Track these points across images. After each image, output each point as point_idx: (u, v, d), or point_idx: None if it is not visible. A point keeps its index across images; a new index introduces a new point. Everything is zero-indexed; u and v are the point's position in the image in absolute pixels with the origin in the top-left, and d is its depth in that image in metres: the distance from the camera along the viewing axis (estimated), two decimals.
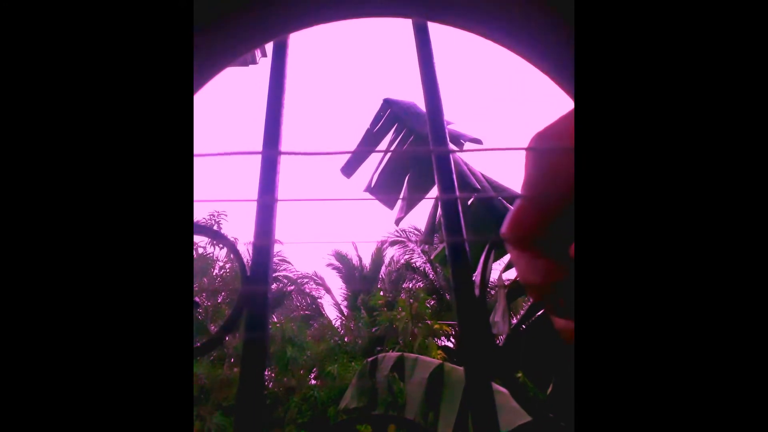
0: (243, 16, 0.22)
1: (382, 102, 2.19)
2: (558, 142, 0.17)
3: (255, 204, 0.21)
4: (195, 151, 0.19)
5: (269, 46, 0.24)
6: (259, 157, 0.22)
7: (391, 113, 2.17)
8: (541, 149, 0.17)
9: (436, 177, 0.23)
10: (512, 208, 0.18)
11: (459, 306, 0.21)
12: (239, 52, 0.23)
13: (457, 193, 0.21)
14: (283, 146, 0.24)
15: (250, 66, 1.82)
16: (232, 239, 0.23)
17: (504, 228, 0.18)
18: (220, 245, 7.37)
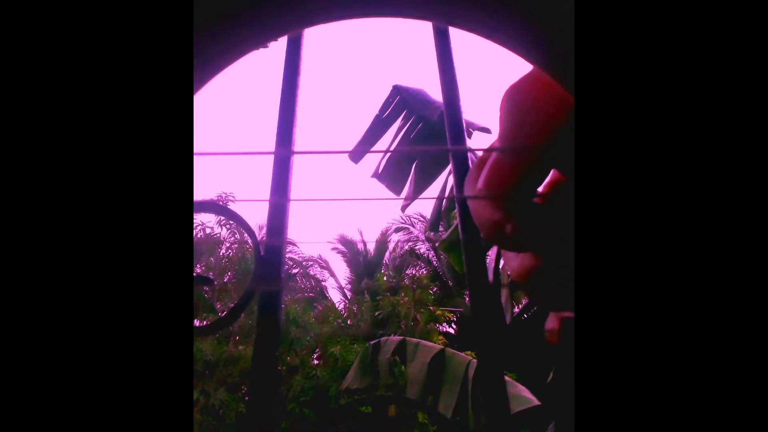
0: (258, 10, 0.23)
1: (391, 88, 2.17)
2: (532, 93, 0.17)
3: (254, 199, 0.22)
4: (208, 149, 0.20)
5: (282, 39, 0.24)
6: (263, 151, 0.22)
7: (401, 99, 2.15)
8: (515, 102, 0.17)
9: (453, 175, 0.23)
10: (488, 163, 0.18)
11: (473, 293, 0.22)
12: (253, 45, 0.23)
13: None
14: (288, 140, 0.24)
15: (260, 50, 1.80)
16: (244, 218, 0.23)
17: (480, 183, 0.18)
18: (228, 225, 7.41)
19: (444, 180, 2.16)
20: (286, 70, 0.22)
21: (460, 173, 0.24)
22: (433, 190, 2.22)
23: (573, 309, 0.18)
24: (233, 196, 7.54)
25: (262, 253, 0.21)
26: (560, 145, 0.16)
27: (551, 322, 0.19)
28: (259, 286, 0.20)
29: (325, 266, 9.67)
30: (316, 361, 7.22)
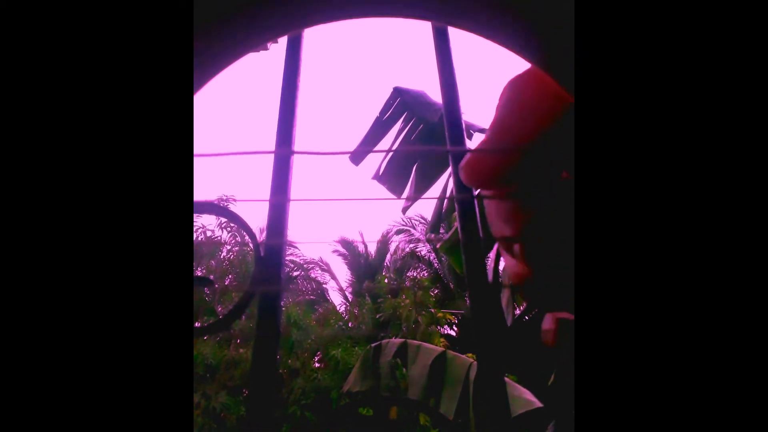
0: (257, 10, 0.23)
1: (392, 90, 2.17)
2: (532, 86, 0.17)
3: (254, 200, 0.22)
4: (208, 149, 0.20)
5: (281, 38, 0.24)
6: (262, 152, 0.22)
7: (401, 101, 2.16)
8: (516, 91, 0.18)
9: (452, 176, 0.23)
10: (467, 156, 0.18)
11: (472, 295, 0.22)
12: (253, 45, 0.23)
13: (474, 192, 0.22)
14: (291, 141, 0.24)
15: (261, 52, 1.81)
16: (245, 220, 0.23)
17: (463, 177, 0.18)
18: (229, 228, 7.42)
19: (445, 182, 2.16)
20: (286, 70, 0.22)
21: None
22: (434, 191, 2.22)
23: (568, 310, 0.18)
24: (234, 198, 7.55)
25: (262, 254, 0.21)
26: (555, 144, 0.17)
27: (547, 323, 0.19)
28: (258, 287, 0.20)
29: (326, 269, 9.67)
30: (317, 364, 7.21)
